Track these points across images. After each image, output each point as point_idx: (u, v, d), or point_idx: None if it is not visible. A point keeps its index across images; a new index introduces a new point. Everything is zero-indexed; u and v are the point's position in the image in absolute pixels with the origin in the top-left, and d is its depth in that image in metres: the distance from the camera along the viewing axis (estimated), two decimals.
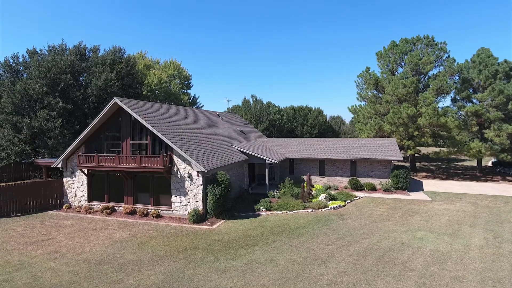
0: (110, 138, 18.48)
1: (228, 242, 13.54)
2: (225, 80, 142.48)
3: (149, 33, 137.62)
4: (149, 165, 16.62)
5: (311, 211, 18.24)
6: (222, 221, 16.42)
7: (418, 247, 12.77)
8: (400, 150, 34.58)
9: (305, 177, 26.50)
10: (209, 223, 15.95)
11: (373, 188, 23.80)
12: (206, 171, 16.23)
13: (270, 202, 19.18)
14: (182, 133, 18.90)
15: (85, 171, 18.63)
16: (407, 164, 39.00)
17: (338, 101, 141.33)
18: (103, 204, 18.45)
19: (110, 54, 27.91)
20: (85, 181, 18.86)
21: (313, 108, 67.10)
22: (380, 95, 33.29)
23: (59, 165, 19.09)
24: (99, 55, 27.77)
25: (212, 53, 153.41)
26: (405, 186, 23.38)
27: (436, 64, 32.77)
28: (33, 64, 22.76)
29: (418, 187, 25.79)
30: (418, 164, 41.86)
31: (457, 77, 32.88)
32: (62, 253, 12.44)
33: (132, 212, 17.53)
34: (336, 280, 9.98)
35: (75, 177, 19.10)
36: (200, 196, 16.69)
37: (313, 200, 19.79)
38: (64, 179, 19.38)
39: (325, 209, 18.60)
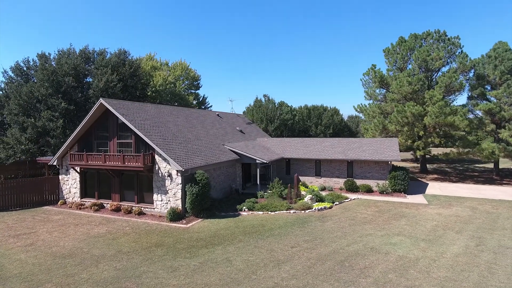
0: (99, 138, 19.22)
1: (194, 241, 13.64)
2: (242, 80, 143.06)
3: (164, 36, 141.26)
4: (131, 163, 17.11)
5: (293, 212, 17.93)
6: (199, 220, 16.56)
7: (387, 252, 12.17)
8: (409, 151, 33.19)
9: (301, 178, 26.13)
10: (185, 222, 16.16)
11: (369, 190, 22.95)
12: (183, 170, 16.44)
13: (255, 203, 19.07)
14: (167, 133, 19.27)
15: (77, 169, 19.52)
16: (417, 165, 37.29)
17: (359, 100, 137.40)
18: (93, 200, 19.24)
19: (115, 56, 29.00)
20: (78, 179, 19.76)
21: (329, 108, 65.74)
22: (391, 93, 31.96)
23: (55, 163, 20.15)
24: (106, 57, 28.97)
25: (228, 54, 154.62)
26: (403, 189, 22.32)
27: (449, 60, 30.97)
28: (39, 67, 24.20)
29: (421, 189, 24.53)
30: (433, 166, 39.83)
31: (472, 74, 30.88)
32: (36, 246, 13.13)
33: (117, 209, 18.13)
34: (282, 283, 9.76)
35: (69, 174, 20.07)
36: (179, 194, 16.94)
37: (300, 201, 19.42)
38: (60, 177, 20.42)
39: (308, 210, 18.21)
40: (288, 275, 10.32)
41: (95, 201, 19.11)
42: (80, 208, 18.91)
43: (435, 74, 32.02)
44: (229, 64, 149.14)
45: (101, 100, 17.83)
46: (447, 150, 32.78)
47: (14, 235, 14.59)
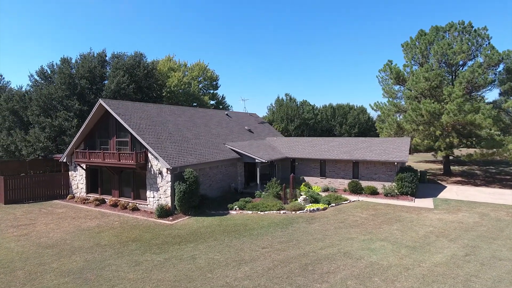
0: (102, 136, 20.30)
1: (171, 237, 13.91)
2: (266, 80, 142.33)
3: (187, 37, 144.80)
4: (125, 161, 17.85)
5: (283, 213, 17.59)
6: (186, 217, 16.84)
7: (359, 258, 11.51)
8: (430, 152, 31.06)
9: (306, 178, 25.56)
10: (171, 219, 16.52)
11: (373, 192, 21.80)
12: (171, 168, 16.83)
13: (248, 202, 18.96)
14: (163, 132, 19.81)
15: (83, 166, 20.76)
16: (441, 167, 34.74)
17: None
18: (96, 196, 20.36)
19: (130, 59, 30.43)
20: (84, 175, 21.01)
21: (356, 106, 63.47)
22: (407, 90, 30.16)
23: (65, 160, 21.61)
24: (124, 60, 30.49)
25: (252, 54, 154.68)
26: (410, 191, 20.91)
27: (476, 53, 28.48)
28: (57, 71, 26.15)
29: (435, 193, 22.84)
30: (463, 168, 36.90)
31: (502, 68, 28.12)
32: (29, 236, 14.18)
33: (115, 205, 18.99)
34: (233, 284, 9.64)
35: (77, 171, 21.42)
36: (169, 192, 17.36)
37: (292, 202, 18.97)
38: (69, 173, 21.87)
39: (299, 211, 17.75)
40: (243, 276, 10.16)
41: (98, 196, 20.21)
42: (84, 203, 20.10)
43: (462, 69, 29.64)
44: (253, 64, 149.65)
45: (100, 101, 18.82)
46: (471, 151, 30.17)
47: (16, 225, 15.88)
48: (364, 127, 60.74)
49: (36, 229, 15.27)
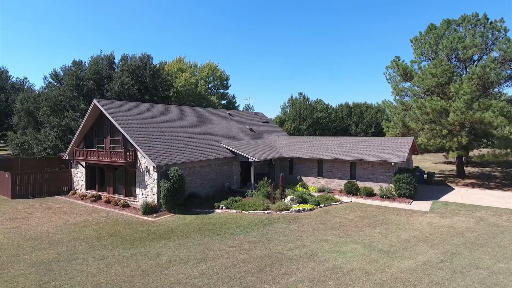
0: (98, 135, 21.13)
1: (147, 234, 14.21)
2: (283, 81, 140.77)
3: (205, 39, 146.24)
4: (116, 159, 18.46)
5: (267, 213, 17.42)
6: (170, 215, 17.12)
7: (324, 260, 11.16)
8: (440, 152, 29.50)
9: (303, 178, 25.13)
10: (155, 216, 16.87)
11: (369, 194, 21.02)
12: (156, 166, 17.18)
13: (236, 201, 18.95)
14: (155, 131, 20.25)
15: (83, 163, 21.71)
16: (454, 168, 32.83)
17: None
18: (93, 192, 21.23)
19: (137, 60, 31.40)
20: (84, 172, 21.97)
21: (373, 105, 61.42)
22: (414, 87, 28.80)
23: (67, 158, 22.71)
24: (130, 61, 31.53)
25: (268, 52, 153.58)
26: (408, 193, 19.96)
27: (491, 47, 26.63)
28: (66, 73, 27.55)
29: (437, 195, 21.63)
30: (483, 170, 34.63)
31: None
32: (19, 229, 15.04)
33: (108, 201, 19.68)
34: (184, 281, 9.70)
35: (78, 168, 22.44)
36: (155, 189, 17.74)
37: (279, 202, 18.72)
38: (72, 170, 22.96)
39: (284, 211, 17.49)
40: (197, 274, 10.19)
41: (95, 193, 21.06)
42: (82, 199, 21.00)
43: (476, 63, 27.81)
44: (269, 64, 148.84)
45: (94, 101, 19.58)
46: (485, 151, 28.25)
47: (13, 218, 16.91)
48: (381, 126, 58.63)
49: (28, 222, 16.17)
